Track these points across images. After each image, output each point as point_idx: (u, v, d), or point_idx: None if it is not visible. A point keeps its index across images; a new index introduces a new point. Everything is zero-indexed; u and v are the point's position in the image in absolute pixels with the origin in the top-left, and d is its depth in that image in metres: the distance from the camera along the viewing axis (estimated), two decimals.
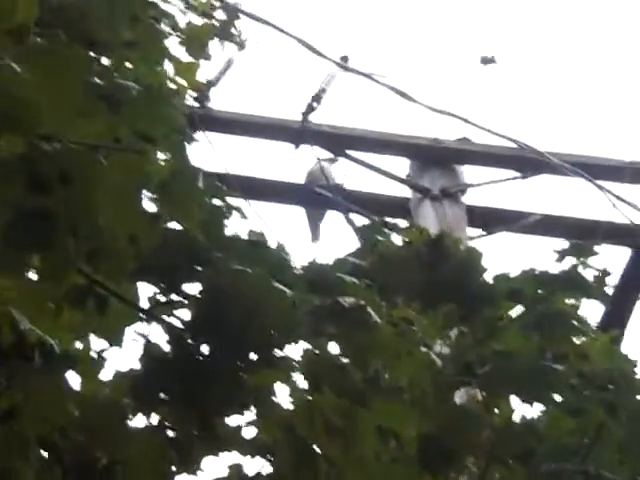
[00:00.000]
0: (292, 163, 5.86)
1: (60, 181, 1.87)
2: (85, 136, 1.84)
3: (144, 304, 2.22)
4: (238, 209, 2.22)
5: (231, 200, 2.30)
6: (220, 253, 2.12)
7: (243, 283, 2.11)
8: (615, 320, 3.18)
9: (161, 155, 2.02)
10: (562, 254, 2.68)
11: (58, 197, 1.87)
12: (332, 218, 5.84)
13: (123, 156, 1.86)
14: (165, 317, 2.19)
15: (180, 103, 2.89)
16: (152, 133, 1.94)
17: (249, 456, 2.51)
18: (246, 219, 2.24)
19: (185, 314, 2.21)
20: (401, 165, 5.90)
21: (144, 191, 1.93)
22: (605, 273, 2.61)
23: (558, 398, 2.52)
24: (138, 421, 2.24)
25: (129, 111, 1.88)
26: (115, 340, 2.24)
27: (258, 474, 2.48)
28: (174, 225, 2.21)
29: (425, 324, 2.56)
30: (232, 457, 2.58)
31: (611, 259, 2.91)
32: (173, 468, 2.32)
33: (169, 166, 2.00)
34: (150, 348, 2.18)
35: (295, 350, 2.42)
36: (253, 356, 2.21)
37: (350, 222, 5.48)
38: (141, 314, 2.18)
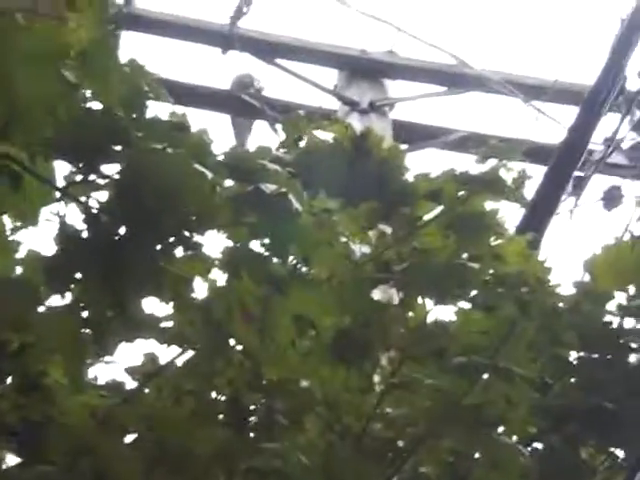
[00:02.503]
0: (220, 68, 5.79)
1: None
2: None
3: (61, 184, 2.19)
4: (160, 90, 2.18)
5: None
6: (140, 133, 2.09)
7: (162, 164, 2.08)
8: (532, 229, 3.22)
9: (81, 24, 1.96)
10: (484, 156, 2.70)
11: None
12: (259, 128, 5.81)
13: (43, 25, 1.81)
14: (82, 197, 2.15)
15: None
16: (72, 2, 1.89)
17: (165, 344, 2.52)
18: (169, 102, 2.20)
19: (103, 195, 2.18)
20: (330, 76, 5.88)
21: (64, 62, 1.88)
22: (524, 176, 2.63)
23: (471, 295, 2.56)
24: (52, 302, 2.22)
25: None
26: (30, 220, 2.20)
27: (172, 362, 2.49)
28: (95, 104, 2.17)
29: (346, 219, 2.57)
30: (149, 346, 2.59)
31: (531, 174, 2.94)
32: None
33: (89, 35, 1.95)
34: (66, 228, 2.15)
35: (216, 242, 2.42)
36: (172, 240, 2.20)
37: (277, 132, 5.46)
38: (57, 193, 2.14)
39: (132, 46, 5.27)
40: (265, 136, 5.55)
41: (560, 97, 5.32)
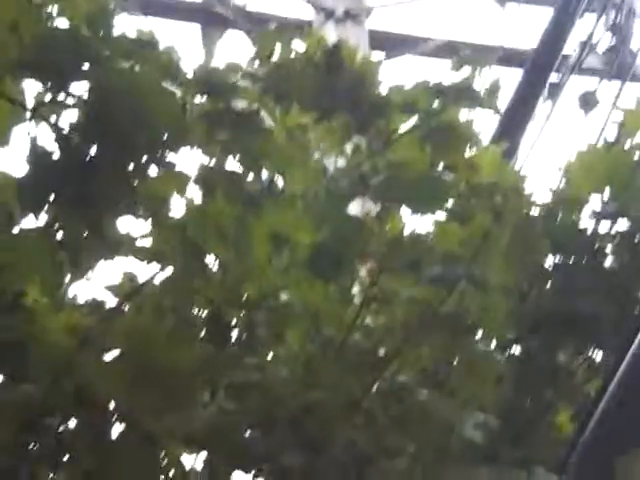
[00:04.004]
0: None
1: None
2: None
3: (31, 104, 2.17)
4: (126, 4, 2.14)
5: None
6: (108, 51, 2.06)
7: (131, 82, 2.06)
8: (508, 137, 3.22)
9: None
10: (457, 64, 2.69)
11: None
12: (230, 39, 5.74)
13: None
14: (52, 118, 2.14)
15: None
16: None
17: (144, 262, 2.52)
18: (134, 15, 2.17)
19: (73, 115, 2.16)
20: None
21: None
22: (496, 85, 2.62)
23: (447, 206, 2.57)
24: (26, 223, 2.22)
25: None
26: (1, 141, 2.18)
27: (151, 279, 2.50)
28: (62, 24, 2.14)
29: (321, 133, 2.56)
30: (130, 264, 2.59)
31: (506, 81, 2.93)
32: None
33: None
34: (37, 149, 2.14)
35: (190, 160, 2.41)
36: (144, 159, 2.19)
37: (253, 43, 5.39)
38: (27, 113, 2.12)
39: None
40: (236, 47, 5.50)
41: (537, 1, 5.28)
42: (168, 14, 5.45)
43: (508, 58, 4.81)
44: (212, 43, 5.56)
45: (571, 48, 4.55)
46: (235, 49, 5.56)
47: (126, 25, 2.20)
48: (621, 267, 2.70)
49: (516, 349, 2.79)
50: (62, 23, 2.09)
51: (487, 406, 2.54)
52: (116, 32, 2.15)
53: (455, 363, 2.62)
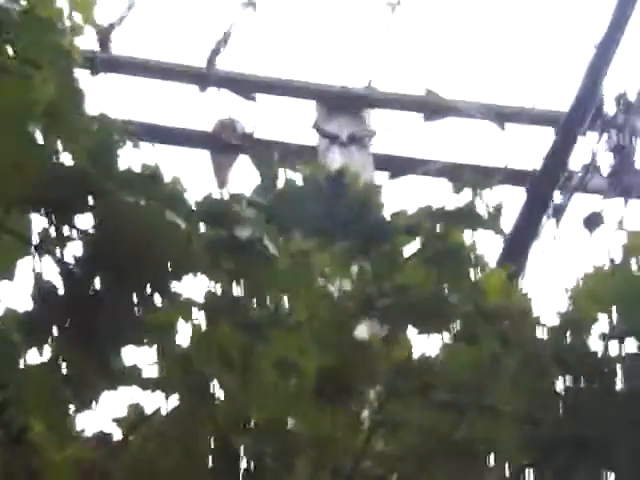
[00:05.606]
0: (200, 108, 5.81)
1: None
2: None
3: (37, 239, 2.18)
4: (131, 140, 2.17)
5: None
6: (113, 185, 2.09)
7: (136, 216, 2.08)
8: (513, 258, 3.23)
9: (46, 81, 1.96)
10: (459, 187, 2.71)
11: None
12: (240, 164, 5.82)
13: (7, 81, 1.80)
14: (57, 251, 2.15)
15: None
16: (37, 59, 1.89)
17: (149, 392, 2.50)
18: (139, 148, 2.20)
19: (77, 248, 2.18)
20: (308, 111, 5.90)
21: (30, 119, 1.88)
22: (499, 207, 2.64)
23: (454, 328, 2.56)
24: (31, 358, 2.21)
25: (13, 35, 1.82)
26: (6, 275, 2.19)
27: (157, 411, 2.47)
28: (66, 158, 2.17)
29: (324, 258, 2.56)
30: (133, 395, 2.57)
31: (510, 200, 2.95)
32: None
33: (54, 92, 1.95)
34: (41, 283, 2.14)
35: (195, 287, 2.41)
36: (149, 290, 2.19)
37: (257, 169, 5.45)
38: (32, 248, 2.14)
39: (111, 90, 5.29)
40: (247, 172, 5.56)
41: (537, 122, 5.36)
42: (177, 141, 5.54)
43: (513, 178, 4.86)
44: (223, 169, 5.63)
45: (575, 167, 4.60)
46: (245, 175, 5.63)
47: (132, 156, 2.24)
48: (632, 389, 2.67)
49: (530, 475, 2.74)
50: (66, 158, 2.13)
51: None
52: (122, 164, 2.17)
53: None
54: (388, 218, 2.71)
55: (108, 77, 5.09)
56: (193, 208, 2.24)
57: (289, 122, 5.84)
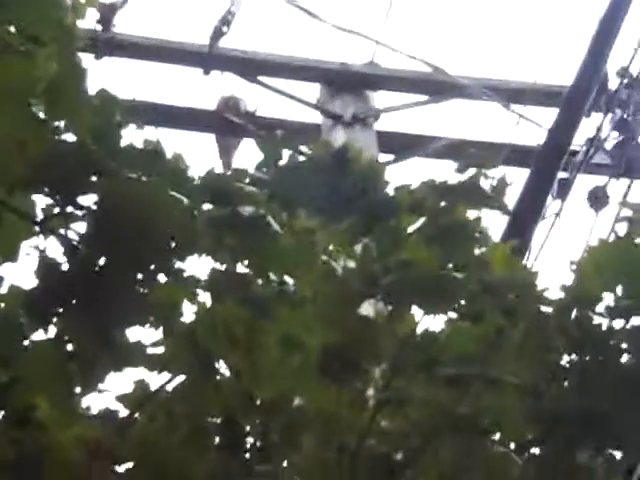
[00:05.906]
0: (203, 88, 5.80)
1: None
2: None
3: (39, 218, 2.18)
4: (134, 118, 2.17)
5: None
6: (115, 163, 2.08)
7: (139, 193, 2.08)
8: (517, 234, 3.22)
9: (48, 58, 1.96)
10: (463, 165, 2.70)
11: None
12: (244, 146, 5.81)
13: (9, 59, 1.80)
14: (61, 230, 2.15)
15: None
16: (39, 35, 1.88)
17: (156, 372, 2.51)
18: (142, 129, 2.19)
19: (81, 226, 2.18)
20: (312, 90, 5.89)
21: (32, 96, 1.88)
22: (503, 183, 2.63)
23: (458, 305, 2.56)
24: (36, 336, 2.22)
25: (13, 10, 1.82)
26: (10, 255, 2.19)
27: (161, 387, 2.48)
28: (68, 137, 2.17)
29: (328, 236, 2.56)
30: (140, 374, 2.58)
31: (514, 178, 2.94)
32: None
33: (56, 69, 1.95)
34: (45, 262, 2.15)
35: (199, 265, 2.42)
36: (153, 268, 2.19)
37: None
38: (36, 227, 2.14)
39: (114, 71, 5.29)
40: (252, 154, 5.55)
41: (540, 99, 5.34)
42: (182, 124, 5.53)
43: (517, 156, 4.85)
44: (228, 151, 5.63)
45: (578, 145, 4.59)
46: (251, 156, 5.63)
47: (135, 135, 2.23)
48: (637, 362, 2.67)
49: (535, 450, 2.74)
50: (69, 136, 2.12)
51: None
52: (124, 141, 2.17)
53: (473, 466, 2.57)
54: (391, 194, 2.70)
55: (111, 59, 5.08)
56: (196, 184, 2.23)
57: (292, 101, 5.83)
